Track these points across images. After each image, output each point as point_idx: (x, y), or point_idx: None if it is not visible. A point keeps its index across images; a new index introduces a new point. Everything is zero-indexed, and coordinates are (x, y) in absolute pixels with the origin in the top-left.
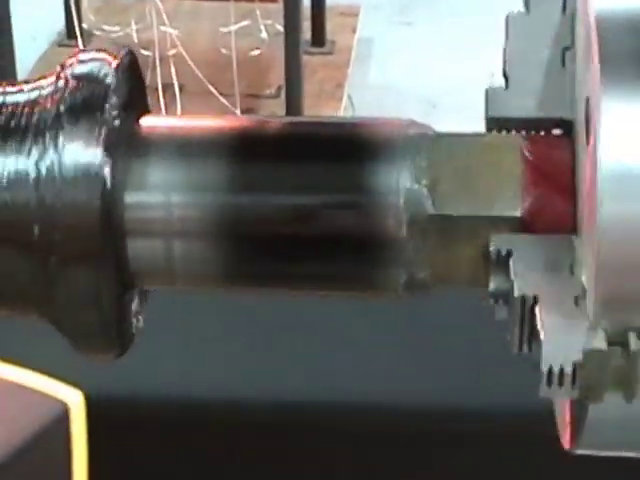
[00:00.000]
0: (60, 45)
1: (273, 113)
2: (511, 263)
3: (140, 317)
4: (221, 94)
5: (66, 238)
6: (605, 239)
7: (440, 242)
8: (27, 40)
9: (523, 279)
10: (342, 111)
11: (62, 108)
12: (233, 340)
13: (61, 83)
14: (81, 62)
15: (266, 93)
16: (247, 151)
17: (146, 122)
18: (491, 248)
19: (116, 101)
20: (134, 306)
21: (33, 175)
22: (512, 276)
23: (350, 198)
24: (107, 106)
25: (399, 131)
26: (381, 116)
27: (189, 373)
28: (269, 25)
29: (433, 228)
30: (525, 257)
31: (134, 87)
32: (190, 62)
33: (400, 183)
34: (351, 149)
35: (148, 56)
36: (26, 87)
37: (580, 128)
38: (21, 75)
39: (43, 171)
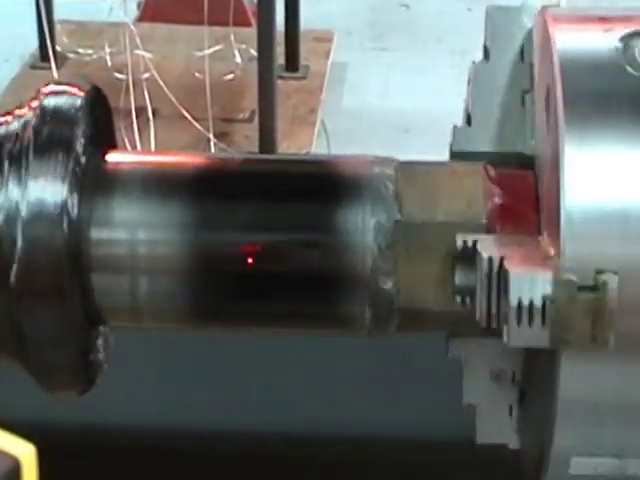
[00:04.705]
0: (33, 67)
1: (246, 137)
2: (478, 245)
3: (106, 353)
4: (194, 118)
5: (31, 274)
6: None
7: (406, 250)
8: None
9: (490, 249)
10: (315, 136)
11: (29, 143)
12: (203, 372)
13: (29, 117)
14: (49, 97)
15: (239, 117)
16: (213, 189)
17: (112, 158)
18: (457, 241)
19: (83, 137)
20: (100, 342)
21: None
22: (479, 248)
23: (315, 236)
24: (74, 142)
25: (364, 169)
26: (354, 141)
27: (159, 406)
28: (243, 49)
29: (401, 239)
30: (492, 242)
31: (101, 122)
32: (164, 86)
33: (365, 219)
34: (316, 188)
35: (122, 80)
36: None
37: (540, 163)
38: None
39: (9, 206)
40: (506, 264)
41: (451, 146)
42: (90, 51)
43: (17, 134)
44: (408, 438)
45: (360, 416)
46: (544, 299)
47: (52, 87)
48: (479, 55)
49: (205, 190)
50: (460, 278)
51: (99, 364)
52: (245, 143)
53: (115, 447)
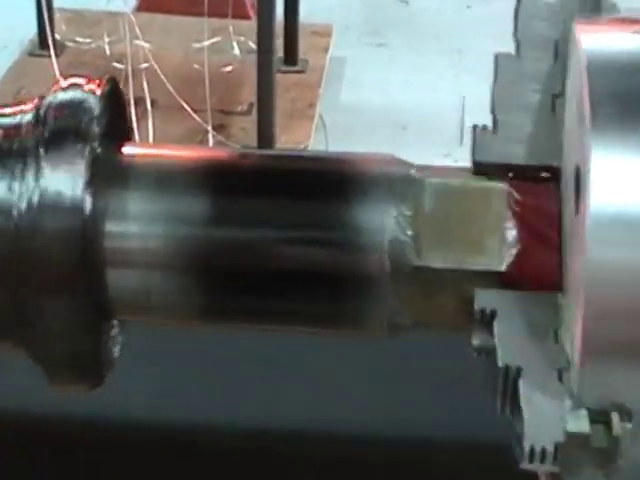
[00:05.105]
0: (31, 55)
1: (244, 130)
2: (495, 326)
3: (116, 348)
4: (193, 109)
5: (43, 266)
6: (592, 295)
7: (422, 292)
8: None
9: (507, 347)
10: (313, 130)
11: (44, 135)
12: (204, 368)
13: (44, 109)
14: (64, 89)
15: (237, 110)
16: (228, 184)
17: (127, 151)
18: (475, 306)
19: (98, 130)
20: (111, 337)
21: (13, 202)
22: (496, 341)
23: (332, 236)
24: (89, 135)
25: (383, 170)
26: (352, 136)
27: (157, 399)
28: (241, 42)
29: (416, 278)
30: (509, 320)
31: (116, 115)
32: (162, 77)
33: (384, 227)
34: (335, 186)
35: (120, 69)
36: (7, 111)
37: (567, 176)
38: None
39: (23, 198)
40: (521, 400)
41: (473, 154)
42: (88, 40)
43: (32, 124)
44: (413, 438)
45: (365, 415)
46: (556, 446)
47: (68, 79)
48: (477, 53)
49: (222, 185)
50: (477, 340)
51: (109, 360)
52: (243, 136)
53: (116, 442)
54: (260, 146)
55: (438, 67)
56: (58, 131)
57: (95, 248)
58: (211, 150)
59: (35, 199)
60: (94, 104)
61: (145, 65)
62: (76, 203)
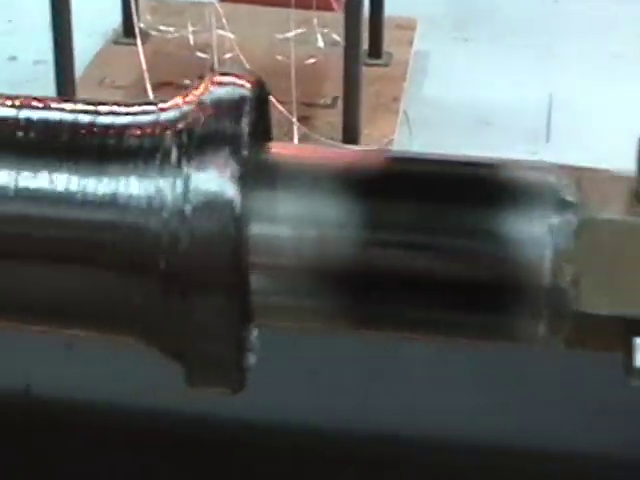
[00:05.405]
0: (116, 43)
1: (330, 123)
2: None
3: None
4: (277, 101)
5: (194, 269)
6: None
7: (577, 330)
8: (82, 37)
9: None
10: (398, 124)
11: (193, 135)
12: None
13: (192, 108)
14: (214, 88)
15: (321, 102)
16: (381, 188)
17: (274, 151)
18: (634, 361)
19: (248, 130)
20: (252, 341)
21: (161, 202)
22: None
23: (485, 247)
24: (240, 136)
25: (547, 186)
26: (435, 131)
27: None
28: (325, 34)
29: (574, 322)
30: None
31: (263, 114)
32: (248, 67)
33: (545, 258)
34: (494, 196)
35: (204, 59)
36: (149, 108)
37: None
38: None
39: (171, 198)
40: None
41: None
42: (172, 29)
43: (180, 123)
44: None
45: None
46: None
47: (217, 77)
48: (564, 50)
49: (372, 188)
50: (637, 382)
51: (250, 364)
52: (328, 129)
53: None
54: (345, 139)
55: (524, 63)
56: (208, 131)
57: (241, 250)
58: (359, 151)
59: (185, 200)
60: (243, 103)
61: (229, 55)
62: (226, 205)
